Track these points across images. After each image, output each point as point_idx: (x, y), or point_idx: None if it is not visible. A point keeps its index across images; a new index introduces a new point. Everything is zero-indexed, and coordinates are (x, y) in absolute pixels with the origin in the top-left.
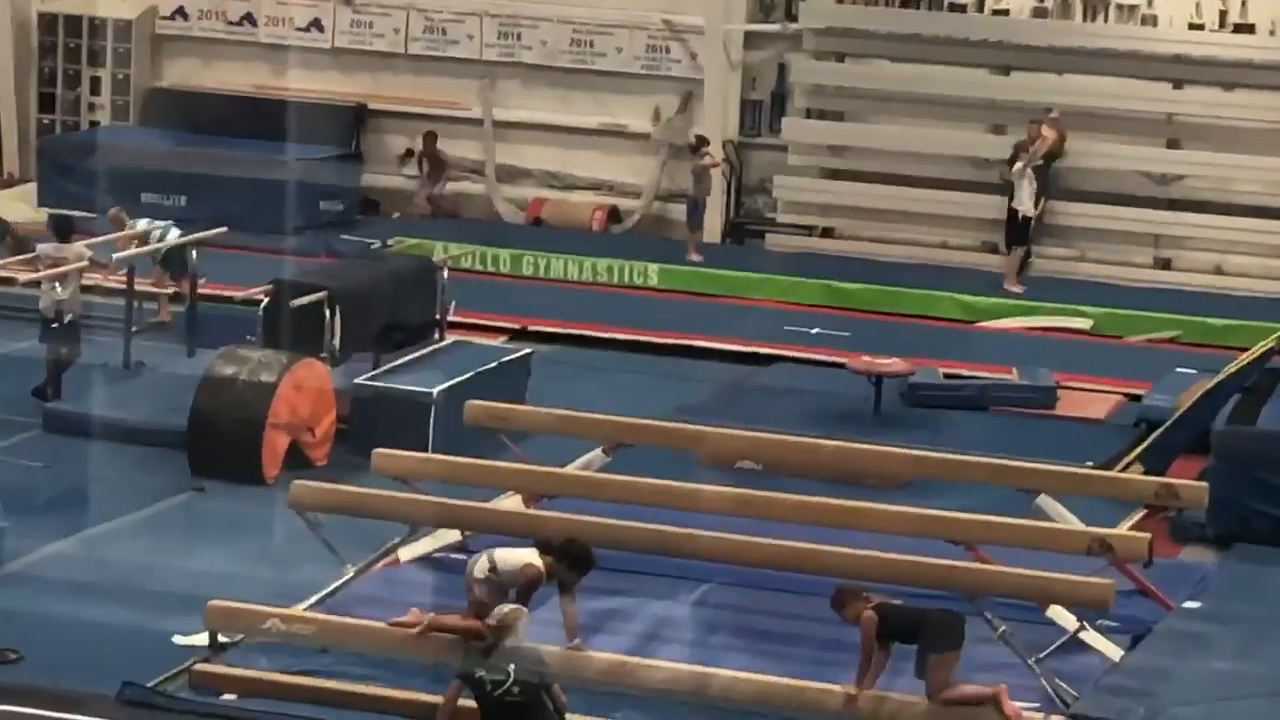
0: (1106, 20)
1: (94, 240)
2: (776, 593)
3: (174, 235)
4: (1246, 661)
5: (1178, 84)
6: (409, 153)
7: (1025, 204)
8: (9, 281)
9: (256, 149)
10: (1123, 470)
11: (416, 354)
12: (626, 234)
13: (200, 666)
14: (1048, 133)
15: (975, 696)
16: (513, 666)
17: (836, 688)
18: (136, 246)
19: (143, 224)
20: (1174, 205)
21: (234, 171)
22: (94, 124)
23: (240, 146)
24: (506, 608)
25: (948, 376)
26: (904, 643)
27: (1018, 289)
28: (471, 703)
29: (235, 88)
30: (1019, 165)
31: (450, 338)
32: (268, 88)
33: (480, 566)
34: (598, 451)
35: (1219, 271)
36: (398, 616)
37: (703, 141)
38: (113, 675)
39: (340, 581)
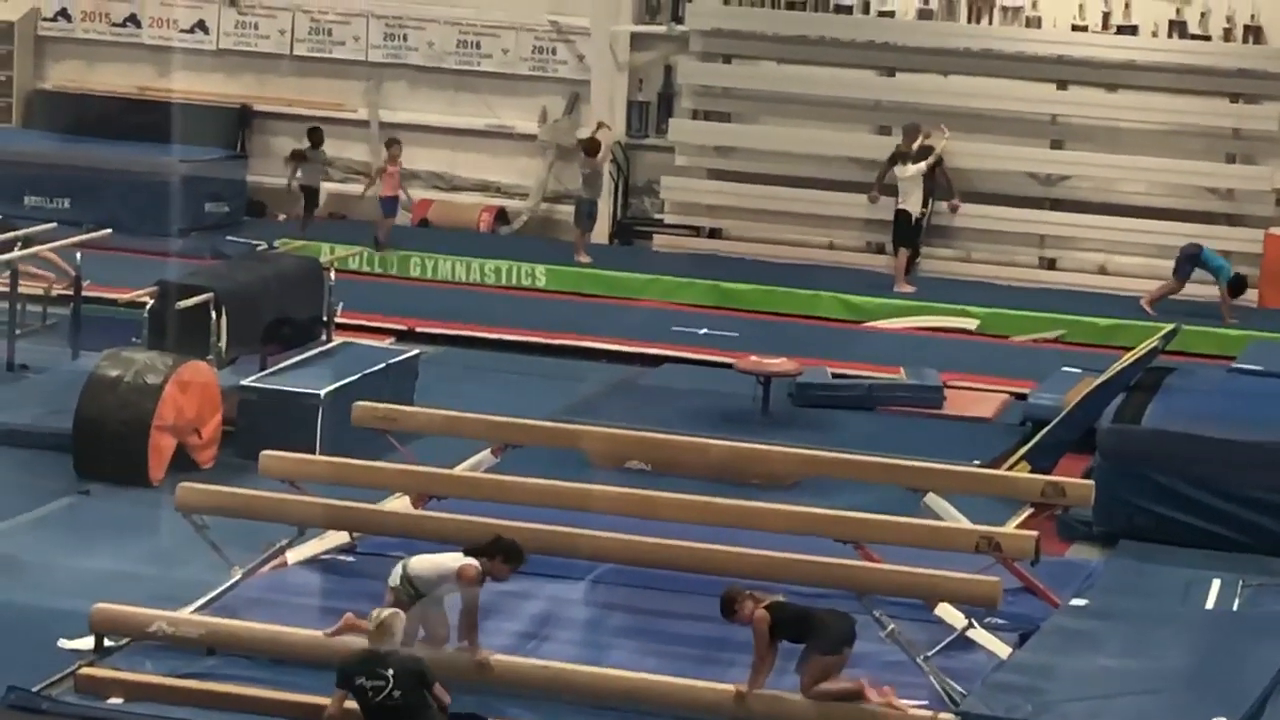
0: (991, 22)
1: None
2: (661, 592)
3: None
4: (1132, 658)
5: (1062, 85)
6: (295, 155)
7: (913, 205)
8: None
9: (141, 151)
10: (1009, 469)
11: (303, 355)
12: (514, 235)
13: (86, 670)
14: (939, 139)
15: (840, 692)
16: (391, 671)
17: (728, 687)
18: None
19: None
20: (1058, 206)
21: (118, 173)
22: None
23: (125, 148)
24: (384, 612)
25: (835, 376)
26: (793, 642)
27: (908, 289)
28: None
29: (119, 89)
30: (913, 169)
31: (337, 339)
32: (152, 89)
33: (394, 575)
34: (486, 452)
35: (1103, 271)
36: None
37: (592, 144)
38: None
39: (227, 584)
